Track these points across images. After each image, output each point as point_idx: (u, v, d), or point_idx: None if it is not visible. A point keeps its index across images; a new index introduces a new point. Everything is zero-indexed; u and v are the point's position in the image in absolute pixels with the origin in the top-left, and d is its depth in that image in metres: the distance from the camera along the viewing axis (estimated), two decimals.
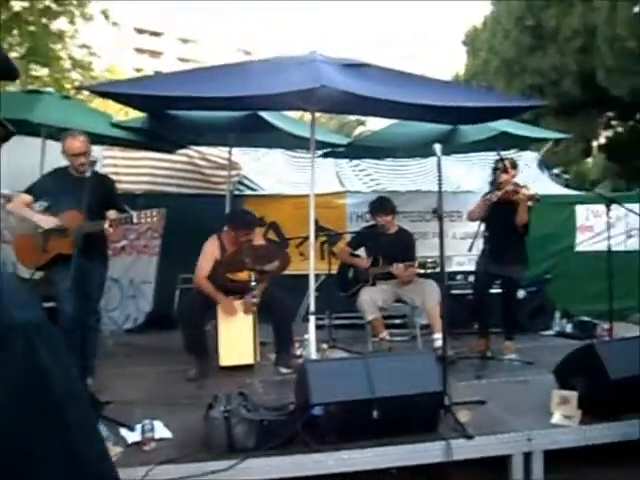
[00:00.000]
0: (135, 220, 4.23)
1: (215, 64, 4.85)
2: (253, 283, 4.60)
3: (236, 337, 4.75)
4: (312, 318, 4.61)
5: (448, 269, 5.57)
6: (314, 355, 4.55)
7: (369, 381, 3.10)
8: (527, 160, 8.77)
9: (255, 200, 7.23)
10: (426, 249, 6.13)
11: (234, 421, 3.00)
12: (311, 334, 4.57)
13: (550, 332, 6.65)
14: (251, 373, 4.63)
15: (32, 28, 10.66)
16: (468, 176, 8.58)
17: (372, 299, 5.32)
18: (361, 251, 5.83)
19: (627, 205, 6.35)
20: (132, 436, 3.15)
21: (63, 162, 4.45)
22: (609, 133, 16.51)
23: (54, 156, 4.74)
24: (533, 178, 8.12)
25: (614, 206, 5.66)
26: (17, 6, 10.51)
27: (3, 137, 0.76)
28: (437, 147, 3.65)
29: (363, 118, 22.18)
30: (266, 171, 8.30)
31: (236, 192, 7.37)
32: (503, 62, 14.75)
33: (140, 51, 46.04)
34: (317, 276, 5.07)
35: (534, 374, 4.62)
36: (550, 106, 11.68)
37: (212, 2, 50.22)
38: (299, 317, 6.04)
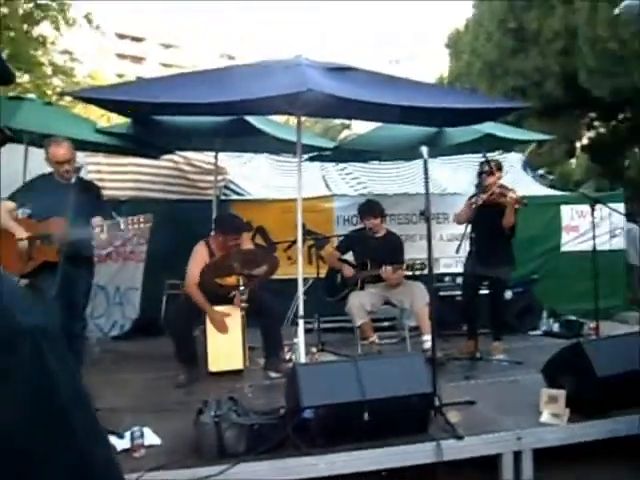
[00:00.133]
0: (123, 226, 4.20)
1: (199, 69, 4.85)
2: (242, 288, 4.59)
3: (225, 342, 4.73)
4: (301, 322, 4.61)
5: (436, 271, 5.59)
6: (303, 359, 4.55)
7: (359, 383, 3.11)
8: (512, 161, 8.85)
9: (241, 205, 7.22)
10: (413, 251, 6.17)
11: (224, 426, 2.99)
12: (300, 338, 4.56)
13: (538, 332, 6.70)
14: (240, 378, 4.61)
15: (13, 34, 10.59)
16: (454, 178, 8.63)
17: (361, 304, 5.32)
18: (349, 254, 5.84)
19: (611, 205, 6.44)
20: (121, 443, 3.13)
21: (46, 168, 4.41)
22: (592, 134, 16.68)
23: (37, 163, 4.70)
24: (518, 179, 8.18)
25: (598, 206, 5.72)
26: None
27: (1, 141, 0.76)
28: (424, 149, 3.67)
29: (348, 122, 22.26)
30: (252, 176, 8.29)
31: (222, 197, 7.36)
32: (486, 64, 14.85)
33: (122, 57, 45.80)
34: (305, 280, 5.07)
35: (523, 374, 4.64)
36: (533, 107, 11.77)
37: (194, 5, 50.09)
38: (288, 321, 6.04)
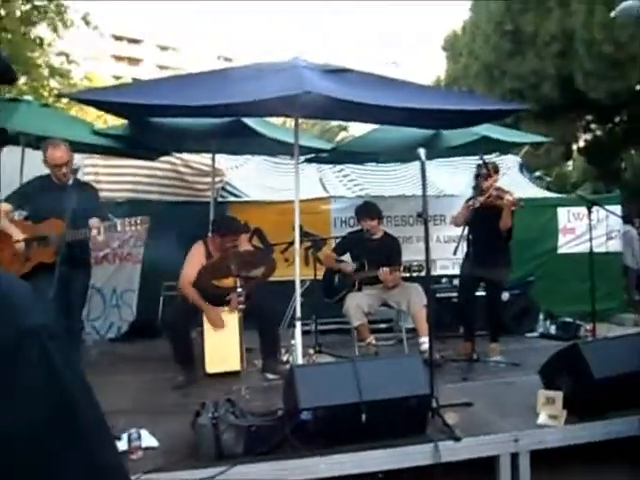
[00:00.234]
0: (119, 228, 4.20)
1: (197, 71, 4.86)
2: (239, 289, 4.58)
3: (222, 344, 4.73)
4: (298, 324, 4.61)
5: (433, 273, 5.59)
6: (301, 360, 4.55)
7: (357, 385, 3.10)
8: (509, 164, 8.87)
9: (238, 206, 7.22)
10: (410, 253, 6.17)
11: (222, 428, 2.99)
12: (297, 339, 4.57)
13: (534, 334, 6.70)
14: (238, 380, 4.58)
15: (10, 36, 10.57)
16: (451, 180, 8.64)
17: (358, 305, 5.33)
18: (347, 256, 5.84)
19: (607, 207, 6.45)
20: (118, 445, 3.12)
21: (43, 170, 4.41)
22: (588, 136, 16.72)
23: (34, 164, 4.69)
24: (515, 182, 8.20)
25: (595, 208, 5.74)
26: None
27: (2, 141, 0.76)
28: (421, 151, 3.67)
29: (345, 124, 22.27)
30: (249, 177, 8.29)
31: (220, 199, 7.35)
32: (483, 67, 14.88)
33: (118, 58, 45.79)
34: (302, 282, 5.08)
35: (520, 375, 4.65)
36: (530, 110, 11.80)
37: (191, 7, 50.08)
38: (285, 323, 6.03)
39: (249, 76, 4.39)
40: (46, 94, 11.98)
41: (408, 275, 5.35)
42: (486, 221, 5.07)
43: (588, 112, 15.06)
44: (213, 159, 6.90)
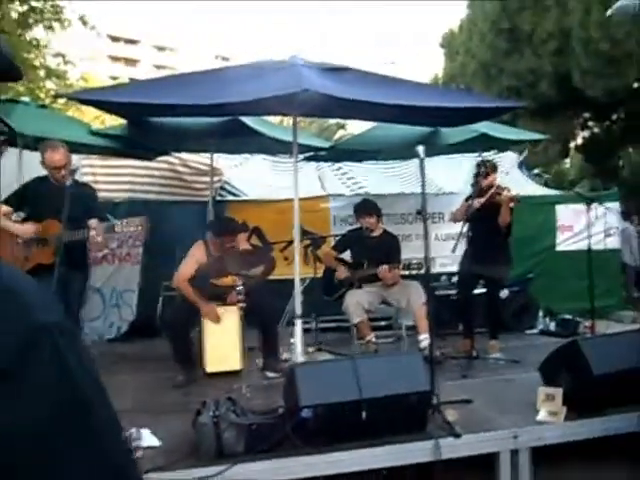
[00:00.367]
0: (117, 229, 4.21)
1: (195, 70, 4.85)
2: (239, 288, 4.59)
3: (222, 343, 4.73)
4: (298, 322, 4.61)
5: (432, 270, 5.60)
6: (301, 358, 4.55)
7: (357, 382, 3.11)
8: (507, 161, 8.87)
9: (237, 206, 7.22)
10: (410, 251, 6.17)
11: (223, 426, 2.99)
12: (297, 337, 4.57)
13: (534, 331, 6.71)
14: (238, 378, 4.60)
15: (7, 37, 10.55)
16: (450, 178, 8.64)
17: (358, 302, 5.33)
18: (346, 254, 5.84)
19: (606, 204, 6.47)
20: None
21: (41, 172, 4.41)
22: (586, 134, 16.74)
23: (31, 166, 4.69)
24: (513, 179, 8.21)
25: (593, 205, 5.75)
26: None
27: (8, 140, 0.75)
28: (420, 149, 3.68)
29: (343, 122, 22.27)
30: (247, 176, 8.29)
31: (218, 198, 7.35)
32: (480, 65, 14.89)
33: (115, 59, 45.72)
34: (302, 280, 5.08)
35: (519, 372, 4.66)
36: (527, 107, 11.82)
37: (188, 7, 50.01)
38: (285, 321, 6.04)
39: (247, 75, 4.40)
40: (43, 95, 11.97)
41: (407, 273, 5.35)
42: (485, 218, 5.08)
43: (585, 110, 15.08)
44: (211, 158, 6.91)
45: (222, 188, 7.72)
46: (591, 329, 5.69)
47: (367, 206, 5.68)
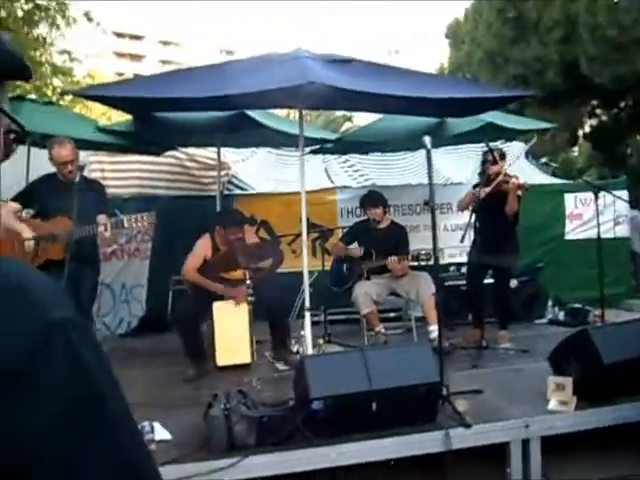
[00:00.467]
0: (126, 224, 4.23)
1: (200, 64, 4.86)
2: (248, 282, 4.60)
3: (232, 337, 4.75)
4: (307, 314, 4.62)
5: (441, 261, 5.59)
6: (310, 351, 4.57)
7: (367, 374, 3.12)
8: (514, 151, 8.83)
9: (245, 199, 7.24)
10: (418, 242, 6.17)
11: (234, 419, 3.01)
12: (307, 330, 4.59)
13: (543, 320, 6.70)
14: (248, 372, 4.62)
15: (13, 35, 10.54)
16: (457, 168, 8.62)
17: (367, 293, 5.34)
18: (354, 246, 5.84)
19: (614, 192, 6.43)
20: None
21: (49, 169, 4.43)
22: (594, 122, 16.61)
23: (40, 163, 4.71)
24: (521, 168, 8.17)
25: (602, 194, 5.71)
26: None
27: (19, 139, 0.76)
28: (427, 139, 3.66)
29: (350, 114, 22.20)
30: (254, 170, 8.30)
31: (226, 192, 7.36)
32: (486, 54, 14.78)
33: (120, 55, 45.73)
34: (310, 272, 5.09)
35: (529, 362, 4.65)
36: (534, 96, 11.74)
37: (191, 7, 49.90)
38: (294, 314, 6.05)
39: (252, 68, 4.39)
40: (50, 93, 11.99)
41: (416, 264, 5.35)
42: (492, 208, 5.06)
43: (593, 97, 14.95)
44: (218, 153, 6.91)
45: (230, 182, 7.74)
46: (601, 318, 5.67)
47: (373, 197, 5.68)
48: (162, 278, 6.66)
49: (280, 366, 4.75)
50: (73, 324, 0.60)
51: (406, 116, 5.81)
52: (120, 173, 7.43)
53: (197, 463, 2.90)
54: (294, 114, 6.13)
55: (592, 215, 6.45)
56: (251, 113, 5.71)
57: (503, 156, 5.43)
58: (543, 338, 5.44)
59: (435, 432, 3.16)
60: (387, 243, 5.48)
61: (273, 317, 4.85)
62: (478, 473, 3.35)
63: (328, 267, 5.85)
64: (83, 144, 5.23)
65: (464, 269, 6.34)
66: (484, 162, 5.33)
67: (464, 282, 6.07)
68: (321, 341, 5.34)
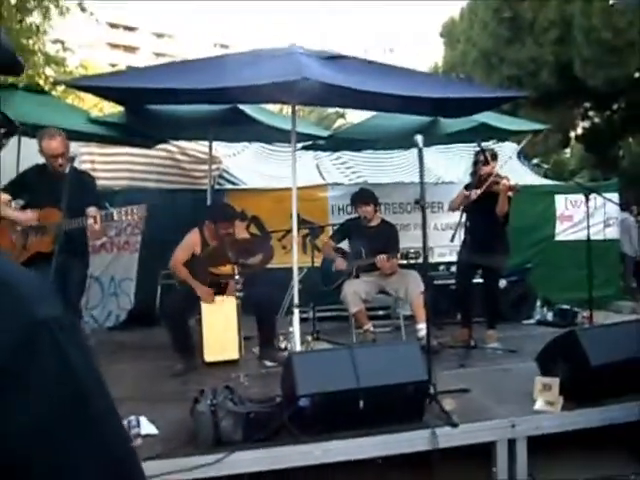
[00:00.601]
0: (116, 217, 4.19)
1: (194, 57, 4.83)
2: (237, 277, 4.59)
3: (220, 332, 4.73)
4: (296, 311, 4.61)
5: (430, 260, 5.60)
6: (299, 347, 4.56)
7: (355, 371, 3.11)
8: (506, 151, 8.85)
9: (236, 194, 7.21)
10: (408, 240, 6.17)
11: (221, 415, 3.00)
12: (295, 327, 4.58)
13: (532, 321, 6.73)
14: (236, 367, 4.61)
15: (6, 24, 10.47)
16: (449, 167, 8.63)
17: (355, 292, 5.33)
18: (345, 244, 5.84)
19: (605, 194, 6.45)
20: None
21: (40, 159, 4.39)
22: (586, 124, 16.68)
23: (30, 152, 4.67)
24: (513, 169, 8.19)
25: (592, 196, 5.73)
26: None
27: (9, 133, 0.74)
28: (419, 138, 3.66)
29: (343, 111, 22.15)
30: (246, 165, 8.27)
31: (217, 186, 7.34)
32: (481, 53, 14.80)
33: (114, 46, 45.44)
34: (300, 269, 5.08)
35: (517, 362, 4.66)
36: (528, 97, 11.77)
37: (192, 3, 49.62)
38: (283, 310, 6.05)
39: (246, 62, 4.37)
40: (42, 82, 11.90)
41: (406, 262, 5.35)
42: (483, 208, 5.07)
43: (586, 99, 15.01)
44: (210, 147, 6.88)
45: (220, 176, 7.71)
46: (589, 319, 5.70)
47: (364, 195, 5.67)
48: (151, 272, 6.64)
49: (267, 362, 4.74)
50: (59, 322, 0.59)
51: (399, 114, 5.80)
52: (111, 165, 7.39)
53: (183, 458, 2.89)
54: (287, 109, 6.10)
55: (582, 217, 6.49)
56: (244, 107, 5.69)
57: (495, 157, 5.44)
58: (531, 338, 5.46)
59: (422, 431, 3.17)
60: (377, 241, 5.47)
61: (261, 314, 4.84)
62: (464, 472, 3.36)
63: (318, 264, 5.84)
64: (74, 135, 5.19)
65: (454, 268, 6.35)
66: (476, 162, 5.33)
67: (453, 281, 6.09)
68: (309, 338, 5.33)
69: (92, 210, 4.20)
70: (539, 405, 3.48)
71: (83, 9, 11.68)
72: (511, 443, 3.31)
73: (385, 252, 5.31)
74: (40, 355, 0.56)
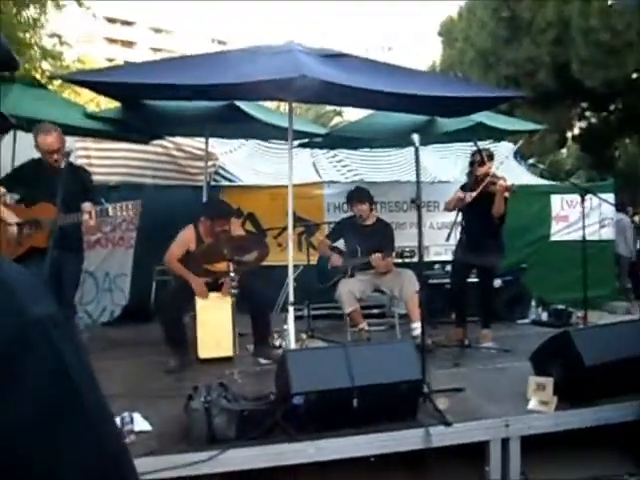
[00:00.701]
0: (111, 212, 4.18)
1: (192, 53, 4.82)
2: (232, 274, 4.58)
3: (215, 329, 4.73)
4: (291, 308, 4.61)
5: (426, 259, 5.60)
6: (293, 345, 4.56)
7: (349, 370, 3.11)
8: (503, 151, 8.86)
9: (231, 191, 7.20)
10: (404, 239, 6.18)
11: (214, 412, 2.99)
12: (290, 324, 4.57)
13: (526, 320, 6.74)
14: (230, 364, 4.61)
15: (1, 16, 10.42)
16: (445, 166, 8.63)
17: (350, 291, 5.33)
18: (340, 243, 5.83)
19: (601, 195, 6.47)
20: None
21: (35, 153, 4.37)
22: (583, 124, 16.71)
23: (25, 146, 4.65)
24: (509, 169, 8.20)
25: (588, 196, 5.74)
26: None
27: (4, 129, 0.74)
28: (415, 137, 3.65)
29: (340, 109, 22.16)
30: (242, 162, 8.26)
31: (213, 183, 7.32)
32: (479, 53, 14.81)
33: (111, 41, 45.29)
34: (295, 267, 5.08)
35: (511, 361, 4.67)
36: (525, 97, 11.79)
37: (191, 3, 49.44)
38: (278, 308, 6.04)
39: (244, 59, 4.35)
40: (38, 76, 11.85)
41: (401, 261, 5.35)
42: (479, 208, 5.07)
43: (583, 100, 15.04)
44: (206, 143, 6.86)
45: (217, 173, 7.69)
46: (584, 320, 5.71)
47: (359, 194, 5.67)
48: (146, 268, 6.62)
49: (262, 360, 4.74)
50: (53, 320, 0.59)
51: (396, 113, 5.80)
52: (106, 160, 7.36)
53: (177, 455, 2.89)
54: (284, 107, 6.11)
55: (578, 217, 6.49)
56: (241, 104, 5.67)
57: (491, 157, 5.43)
58: (525, 338, 5.47)
59: (415, 430, 3.17)
60: (372, 240, 5.47)
61: (255, 311, 4.83)
62: (457, 471, 3.37)
63: (313, 261, 5.84)
64: (70, 130, 5.17)
65: (449, 267, 6.35)
66: (472, 163, 5.33)
67: (448, 280, 6.09)
68: (304, 336, 5.33)
69: (87, 205, 4.19)
70: (533, 405, 3.49)
71: (80, 4, 11.63)
72: (504, 442, 3.32)
73: (380, 251, 5.31)
74: (35, 353, 0.56)
